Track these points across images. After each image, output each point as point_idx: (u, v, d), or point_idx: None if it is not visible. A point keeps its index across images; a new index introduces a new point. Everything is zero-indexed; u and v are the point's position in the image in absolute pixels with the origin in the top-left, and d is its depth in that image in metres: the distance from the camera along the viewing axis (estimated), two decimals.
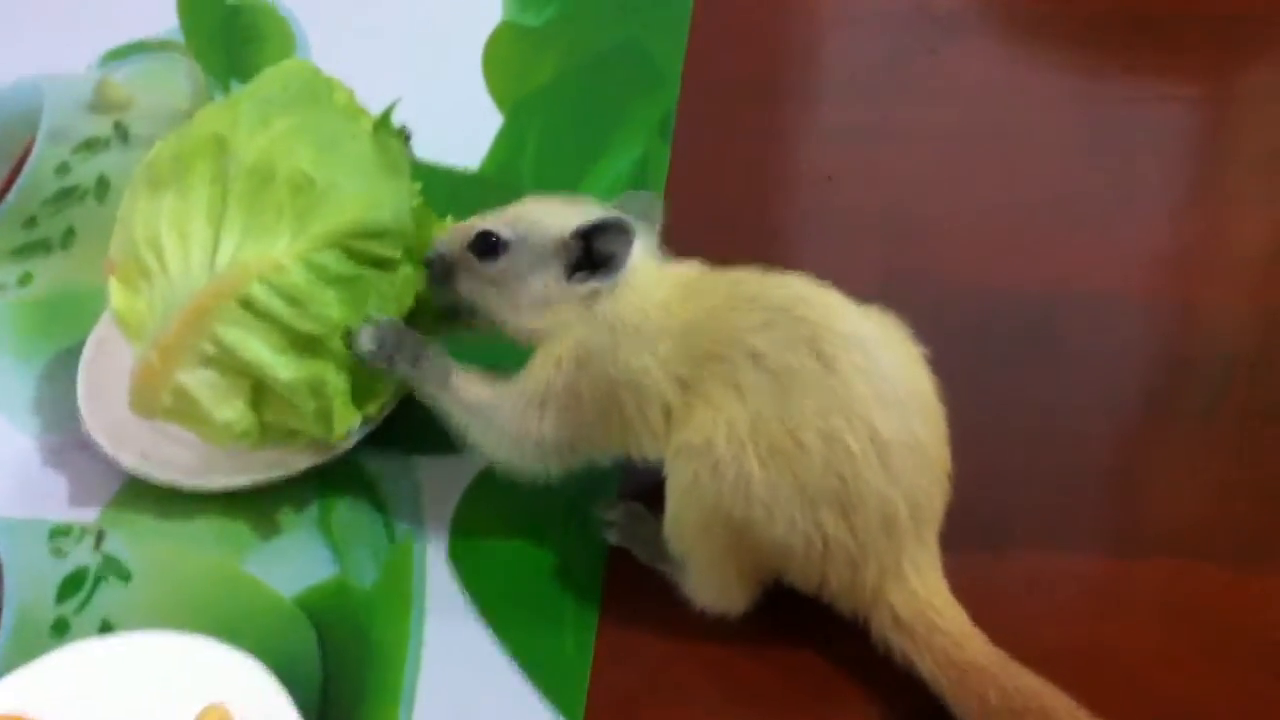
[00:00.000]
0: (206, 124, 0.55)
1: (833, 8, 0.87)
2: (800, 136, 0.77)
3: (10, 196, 0.75)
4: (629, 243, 0.50)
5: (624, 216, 0.51)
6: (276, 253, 0.52)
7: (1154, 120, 0.74)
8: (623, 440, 0.51)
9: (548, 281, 0.52)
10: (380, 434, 0.60)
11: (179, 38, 0.85)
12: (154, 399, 0.55)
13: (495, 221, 0.53)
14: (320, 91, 0.56)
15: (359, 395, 0.55)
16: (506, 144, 0.76)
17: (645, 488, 0.53)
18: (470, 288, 0.54)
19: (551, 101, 0.79)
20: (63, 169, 0.76)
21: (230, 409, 0.55)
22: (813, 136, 0.77)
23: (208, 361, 0.54)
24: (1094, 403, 0.61)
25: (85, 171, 0.76)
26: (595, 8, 0.85)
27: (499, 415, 0.53)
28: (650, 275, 0.51)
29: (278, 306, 0.52)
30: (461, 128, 0.76)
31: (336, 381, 0.54)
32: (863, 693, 0.51)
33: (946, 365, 0.50)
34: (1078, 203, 0.66)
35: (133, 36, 0.85)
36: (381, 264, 0.54)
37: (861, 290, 0.50)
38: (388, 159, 0.55)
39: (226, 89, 0.80)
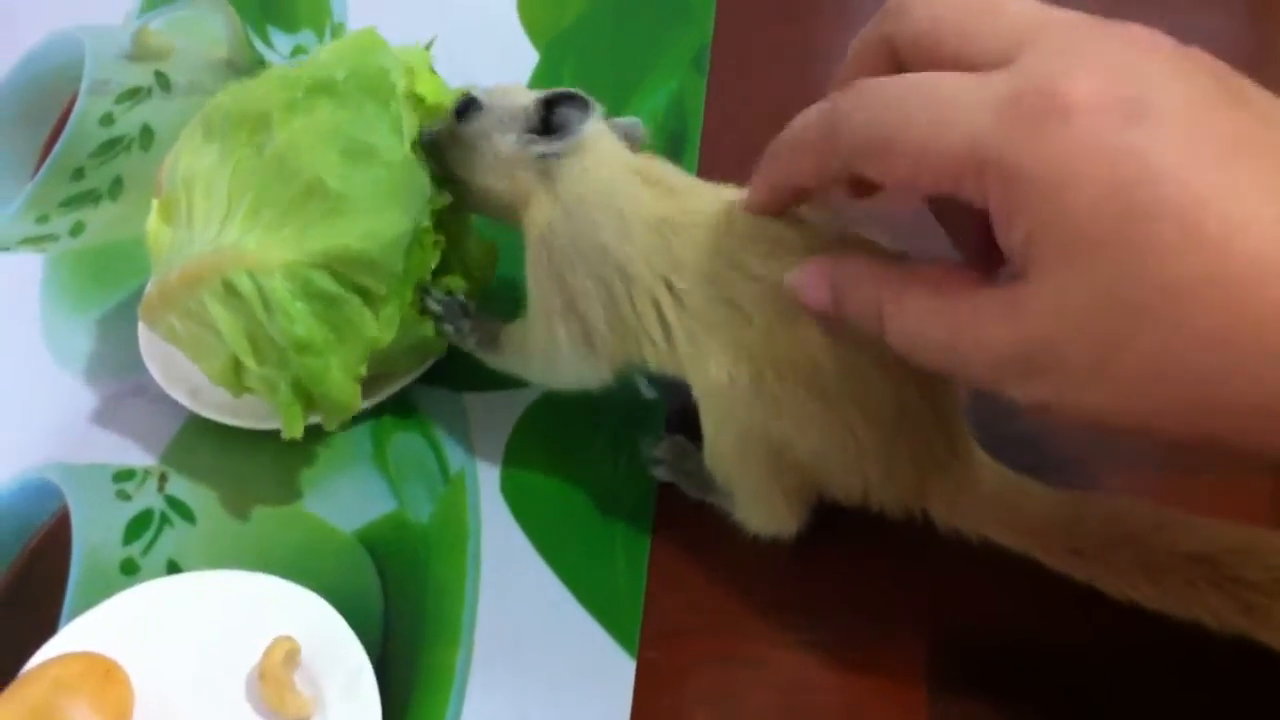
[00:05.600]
0: (263, 93, 0.55)
1: None
2: (836, 59, 0.77)
3: (57, 149, 0.76)
4: (585, 114, 0.51)
5: (585, 94, 0.52)
6: (269, 253, 0.53)
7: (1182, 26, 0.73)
8: (627, 342, 0.51)
9: (509, 142, 0.53)
10: (429, 371, 0.61)
11: None
12: (154, 323, 0.58)
13: (476, 90, 0.55)
14: (383, 91, 0.54)
15: (333, 405, 0.55)
16: (542, 80, 0.76)
17: (691, 420, 0.53)
18: (452, 156, 0.55)
19: (586, 37, 0.79)
20: (107, 119, 0.77)
21: (208, 364, 0.57)
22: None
23: (194, 317, 0.55)
24: None
25: (129, 121, 0.77)
26: None
27: (530, 340, 0.54)
28: (612, 161, 0.52)
29: (254, 303, 0.53)
30: (498, 65, 0.76)
31: (286, 392, 0.54)
32: (923, 609, 0.51)
33: None
34: None
35: None
36: (366, 294, 0.54)
37: None
38: (408, 187, 0.54)
39: (264, 36, 0.81)
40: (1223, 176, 0.34)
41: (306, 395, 0.55)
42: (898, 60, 0.42)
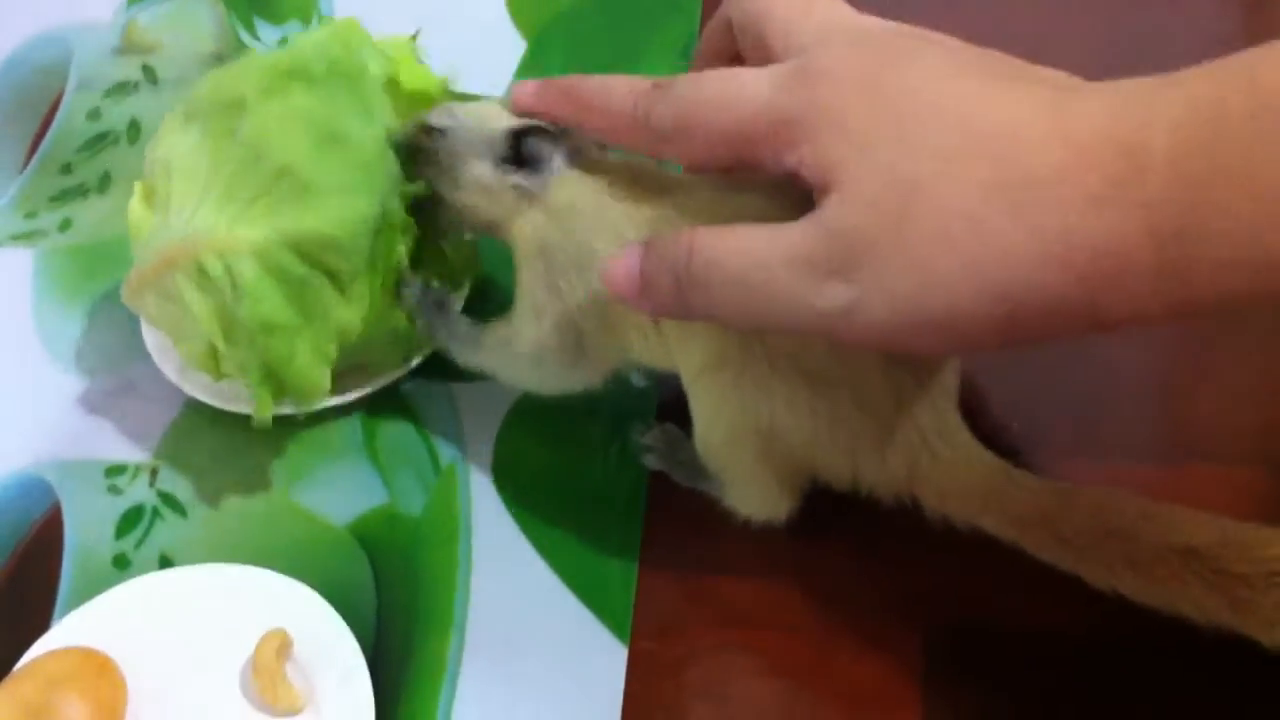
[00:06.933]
0: (241, 77, 0.55)
1: None
2: None
3: (45, 144, 0.76)
4: (554, 150, 0.51)
5: (552, 126, 0.51)
6: (238, 235, 0.53)
7: (1177, 22, 0.73)
8: (618, 338, 0.51)
9: (484, 169, 0.52)
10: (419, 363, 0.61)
11: None
12: (135, 306, 0.58)
13: (438, 112, 0.54)
14: (356, 77, 0.55)
15: (301, 388, 0.56)
16: (531, 71, 0.76)
17: (682, 409, 0.53)
18: (427, 171, 0.54)
19: (574, 28, 0.78)
20: (94, 114, 0.77)
21: (186, 347, 0.57)
22: None
23: (171, 300, 0.55)
24: None
25: (116, 115, 0.77)
26: None
27: (516, 343, 0.54)
28: (599, 170, 0.51)
29: (223, 285, 0.53)
30: (486, 55, 0.76)
31: (255, 374, 0.55)
32: (919, 600, 0.51)
33: None
34: None
35: None
36: (334, 277, 0.54)
37: None
38: (377, 172, 0.54)
39: (250, 27, 0.81)
40: (983, 84, 0.40)
41: (276, 379, 0.55)
42: (734, 39, 0.48)
